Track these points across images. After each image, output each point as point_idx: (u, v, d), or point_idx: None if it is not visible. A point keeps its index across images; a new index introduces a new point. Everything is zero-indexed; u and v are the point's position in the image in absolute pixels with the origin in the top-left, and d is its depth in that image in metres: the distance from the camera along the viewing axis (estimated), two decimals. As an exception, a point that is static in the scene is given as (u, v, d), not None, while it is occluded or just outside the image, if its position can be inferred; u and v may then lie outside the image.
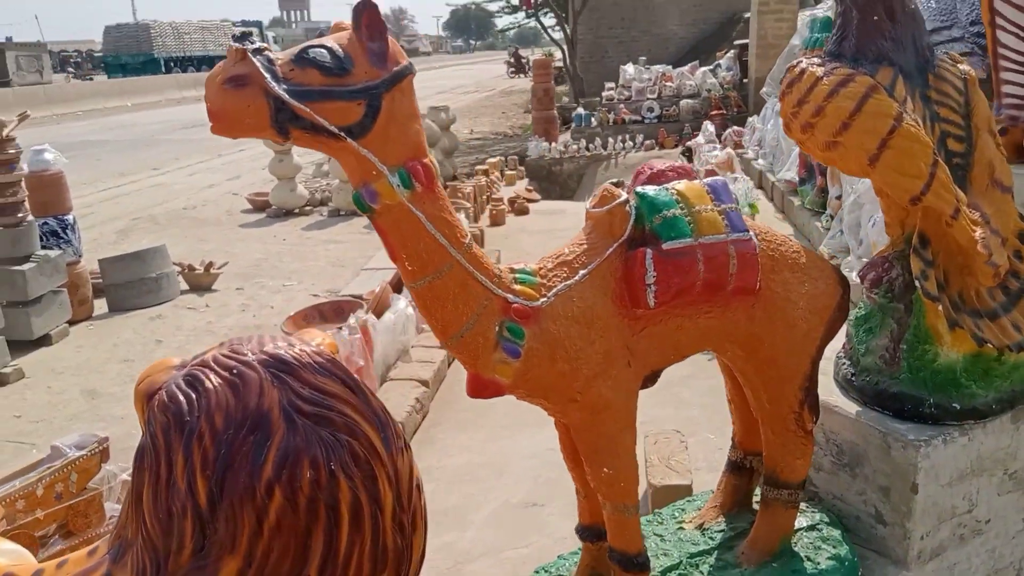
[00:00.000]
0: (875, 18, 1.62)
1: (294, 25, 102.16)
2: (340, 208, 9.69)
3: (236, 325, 6.34)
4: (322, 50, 1.15)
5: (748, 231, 1.47)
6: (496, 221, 5.78)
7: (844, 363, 1.82)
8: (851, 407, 1.74)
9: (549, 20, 20.33)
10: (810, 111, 1.58)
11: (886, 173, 1.57)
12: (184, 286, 7.13)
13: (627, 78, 11.47)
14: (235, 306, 6.79)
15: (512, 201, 6.05)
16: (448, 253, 1.26)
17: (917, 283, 1.57)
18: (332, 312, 5.01)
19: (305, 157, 11.80)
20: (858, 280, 1.80)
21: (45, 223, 6.19)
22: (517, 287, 1.34)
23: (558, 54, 20.07)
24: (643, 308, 1.39)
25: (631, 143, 9.87)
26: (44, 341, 5.76)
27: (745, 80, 10.81)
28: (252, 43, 1.13)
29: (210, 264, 7.32)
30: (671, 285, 1.38)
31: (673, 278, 1.38)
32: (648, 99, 10.84)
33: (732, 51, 11.99)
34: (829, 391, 1.80)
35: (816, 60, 1.64)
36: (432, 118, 11.87)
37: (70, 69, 50.02)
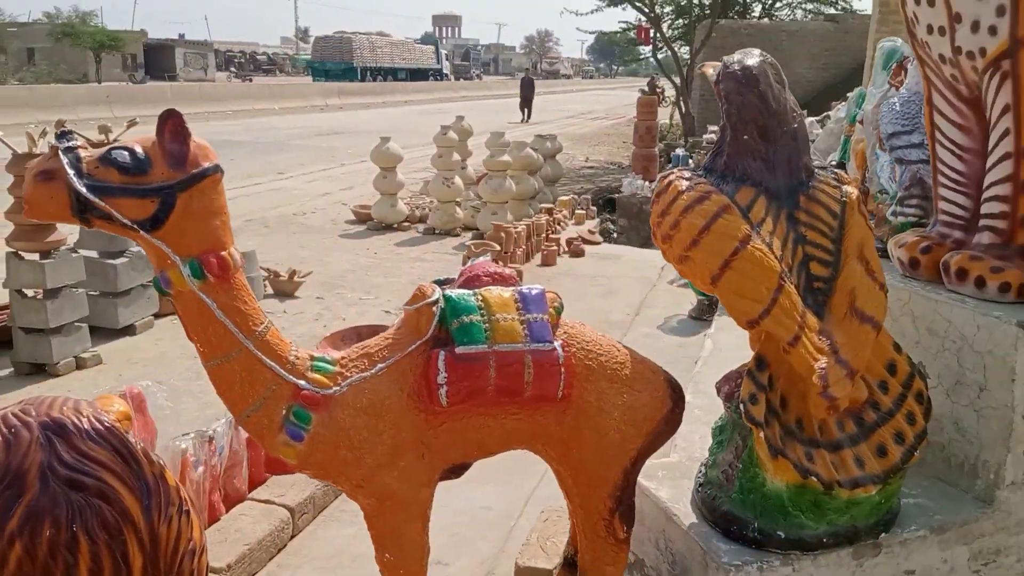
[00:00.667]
0: (745, 137, 1.62)
1: (444, 41, 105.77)
2: (436, 227, 10.01)
3: (306, 333, 6.66)
4: (124, 152, 1.31)
5: (551, 342, 1.51)
6: (547, 262, 5.83)
7: (700, 472, 1.80)
8: (689, 518, 1.73)
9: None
10: (669, 223, 1.60)
11: (726, 294, 1.57)
12: (269, 291, 7.58)
13: (731, 122, 11.15)
14: (310, 314, 7.15)
15: (569, 242, 6.10)
16: (237, 339, 1.37)
17: (742, 407, 1.55)
18: (370, 335, 5.20)
19: (410, 175, 12.25)
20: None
21: (145, 222, 6.75)
22: (311, 375, 1.44)
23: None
24: (437, 406, 1.46)
25: (725, 188, 9.62)
26: (128, 331, 6.26)
27: (854, 133, 10.36)
28: (69, 141, 1.30)
29: (294, 272, 7.74)
30: (462, 387, 1.44)
31: (464, 381, 1.44)
32: (751, 144, 10.48)
33: (843, 102, 11.56)
34: (679, 498, 1.79)
35: (686, 173, 1.65)
36: (537, 146, 12.05)
37: (232, 69, 53.80)
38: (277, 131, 22.11)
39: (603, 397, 1.56)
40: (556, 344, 1.51)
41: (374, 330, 5.65)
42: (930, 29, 1.83)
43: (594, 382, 1.56)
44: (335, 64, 46.32)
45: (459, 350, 1.45)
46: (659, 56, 20.99)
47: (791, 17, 19.96)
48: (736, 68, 1.62)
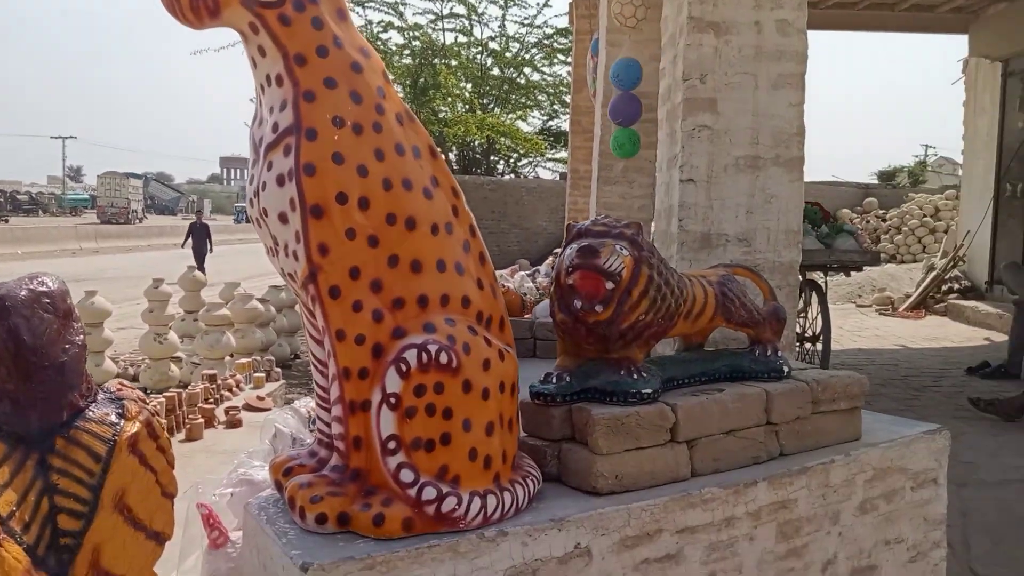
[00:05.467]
0: (-8, 375, 1.46)
1: (232, 182, 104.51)
2: (147, 387, 9.28)
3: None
4: None
5: None
6: (191, 436, 5.45)
7: None
8: None
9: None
10: None
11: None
12: None
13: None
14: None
15: (227, 411, 5.74)
16: None
17: None
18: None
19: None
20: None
21: None
22: None
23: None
24: None
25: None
26: None
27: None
28: None
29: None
30: None
31: None
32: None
33: (552, 257, 12.30)
34: None
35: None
36: (270, 296, 11.72)
37: (-13, 208, 49.48)
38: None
39: None
40: None
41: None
42: (266, 248, 1.80)
43: None
44: None
45: None
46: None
47: (533, 174, 21.52)
48: (-5, 300, 1.48)
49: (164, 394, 5.82)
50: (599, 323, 1.96)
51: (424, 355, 1.65)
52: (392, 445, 1.66)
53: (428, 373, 1.66)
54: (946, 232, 14.32)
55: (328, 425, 1.82)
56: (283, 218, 1.67)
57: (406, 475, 1.65)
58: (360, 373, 1.68)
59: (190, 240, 20.96)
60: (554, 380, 2.03)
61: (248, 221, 2.21)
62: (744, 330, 2.31)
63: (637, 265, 1.95)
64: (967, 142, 11.58)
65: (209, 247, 21.16)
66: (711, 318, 2.21)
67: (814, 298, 5.98)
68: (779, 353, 2.28)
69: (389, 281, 1.69)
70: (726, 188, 3.20)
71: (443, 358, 1.66)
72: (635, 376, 2.00)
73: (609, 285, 1.92)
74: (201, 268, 20.13)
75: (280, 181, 1.66)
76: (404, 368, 1.65)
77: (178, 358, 9.74)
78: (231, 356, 9.32)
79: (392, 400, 1.65)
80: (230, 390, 6.57)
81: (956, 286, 11.06)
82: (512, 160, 20.71)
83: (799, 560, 2.05)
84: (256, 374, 7.06)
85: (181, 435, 5.42)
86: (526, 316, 4.49)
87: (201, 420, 5.47)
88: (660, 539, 1.86)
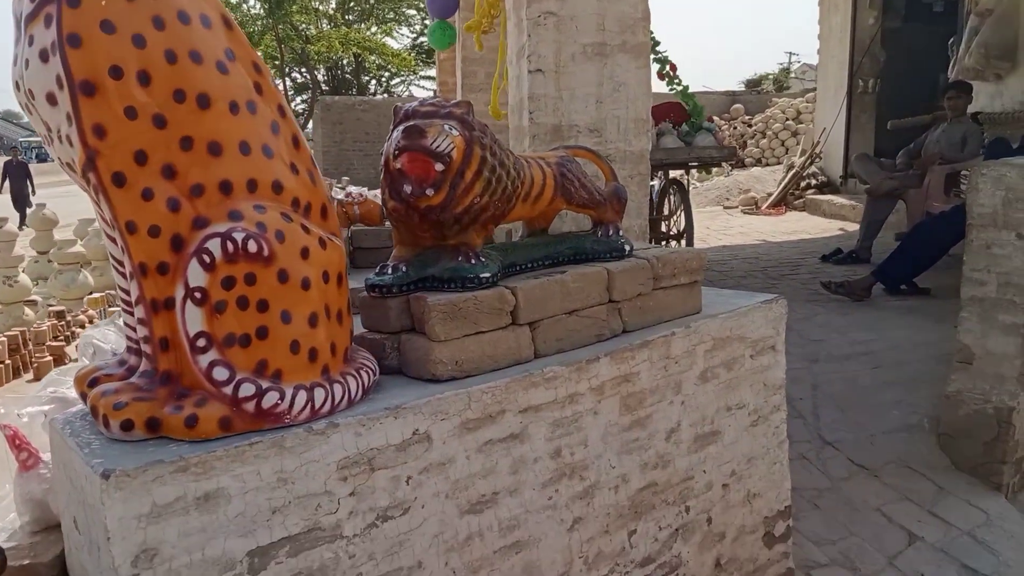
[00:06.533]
0: None
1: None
2: (-2, 334, 8.65)
3: None
4: None
5: None
6: (40, 375, 5.11)
7: None
8: None
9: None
10: None
11: None
12: None
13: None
14: None
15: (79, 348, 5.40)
16: None
17: None
18: None
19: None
20: None
21: None
22: None
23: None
24: None
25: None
26: None
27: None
28: None
29: None
30: None
31: None
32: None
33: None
34: None
35: None
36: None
37: None
38: None
39: None
40: None
41: None
42: (41, 137, 1.61)
43: None
44: None
45: None
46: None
47: (407, 93, 20.93)
48: None
49: (6, 333, 5.41)
50: (432, 208, 1.87)
51: (230, 244, 1.52)
52: (202, 343, 1.54)
53: (236, 264, 1.53)
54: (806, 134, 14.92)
55: (134, 329, 1.68)
56: (51, 99, 1.48)
57: (220, 373, 1.54)
58: (159, 268, 1.54)
59: (7, 183, 17.93)
60: (390, 271, 1.95)
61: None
62: (585, 211, 2.27)
63: (468, 146, 1.86)
64: (822, 41, 11.96)
65: (31, 189, 18.38)
66: (551, 200, 2.16)
67: (678, 197, 6.09)
68: (620, 233, 2.26)
69: (184, 165, 1.54)
70: (574, 78, 3.13)
71: (251, 247, 1.54)
72: (473, 261, 1.93)
73: (439, 167, 1.83)
74: (22, 216, 16.87)
75: (44, 57, 1.46)
76: (208, 260, 1.52)
77: (33, 301, 9.13)
78: (90, 295, 8.81)
79: (197, 295, 1.52)
80: (82, 326, 6.17)
81: (813, 182, 11.58)
82: (384, 79, 20.02)
83: (643, 430, 2.08)
84: (111, 308, 6.64)
85: (29, 375, 5.07)
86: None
87: (50, 358, 5.12)
88: (503, 420, 1.83)
